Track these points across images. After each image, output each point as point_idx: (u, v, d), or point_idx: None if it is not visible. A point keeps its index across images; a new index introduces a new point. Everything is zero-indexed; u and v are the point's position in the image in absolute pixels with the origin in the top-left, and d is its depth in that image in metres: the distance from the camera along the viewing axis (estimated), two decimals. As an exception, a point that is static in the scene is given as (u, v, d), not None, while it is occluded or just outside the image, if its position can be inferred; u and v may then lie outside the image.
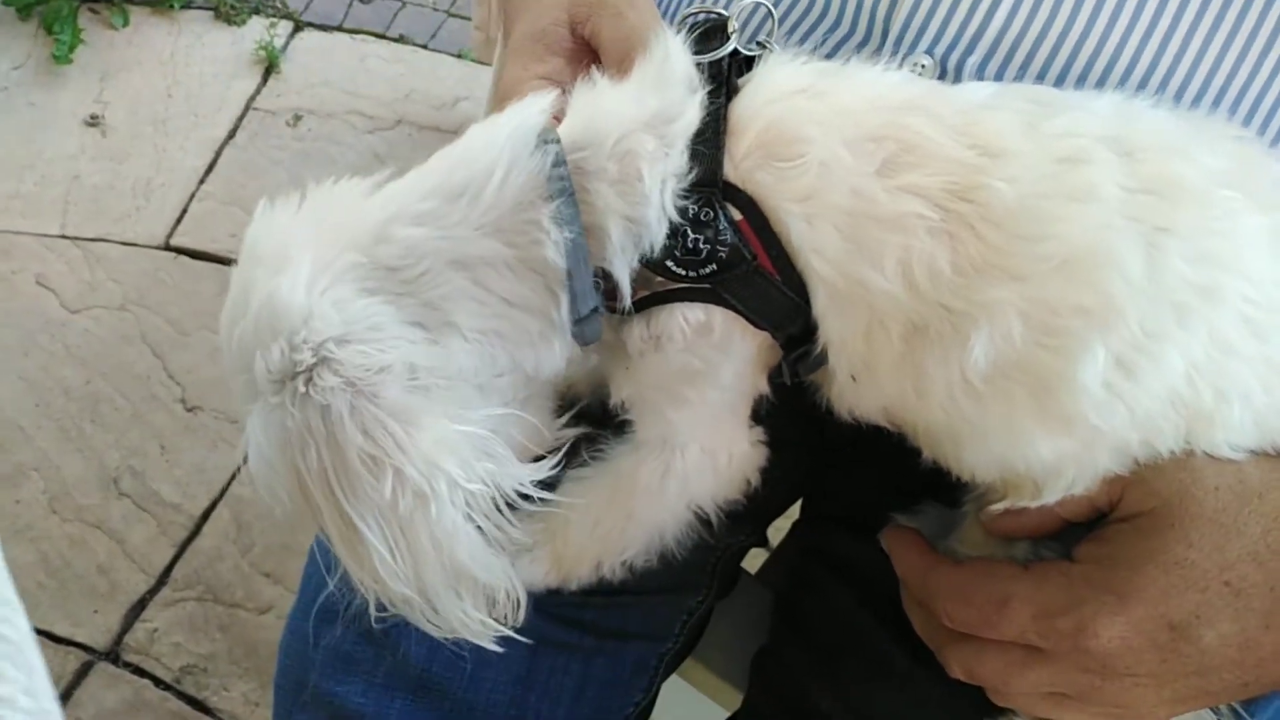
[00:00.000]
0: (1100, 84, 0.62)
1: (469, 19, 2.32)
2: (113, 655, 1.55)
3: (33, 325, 1.85)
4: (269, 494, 0.55)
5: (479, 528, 0.54)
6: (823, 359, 0.58)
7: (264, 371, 0.53)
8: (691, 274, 0.56)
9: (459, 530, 0.53)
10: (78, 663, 1.53)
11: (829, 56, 0.63)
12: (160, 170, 2.07)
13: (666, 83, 0.57)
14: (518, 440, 0.58)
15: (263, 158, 2.11)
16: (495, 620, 0.57)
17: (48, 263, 1.94)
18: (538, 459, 0.58)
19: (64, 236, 1.97)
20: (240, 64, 2.25)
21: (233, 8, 2.32)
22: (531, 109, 0.57)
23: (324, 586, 0.67)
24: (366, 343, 0.52)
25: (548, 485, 0.58)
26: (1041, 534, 0.59)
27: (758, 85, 0.57)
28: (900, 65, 0.62)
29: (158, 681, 1.53)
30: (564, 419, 0.63)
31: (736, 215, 0.56)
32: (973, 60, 0.64)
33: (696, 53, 0.58)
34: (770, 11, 0.66)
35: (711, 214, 0.55)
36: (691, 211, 0.55)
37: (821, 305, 0.56)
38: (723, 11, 0.60)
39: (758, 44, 0.60)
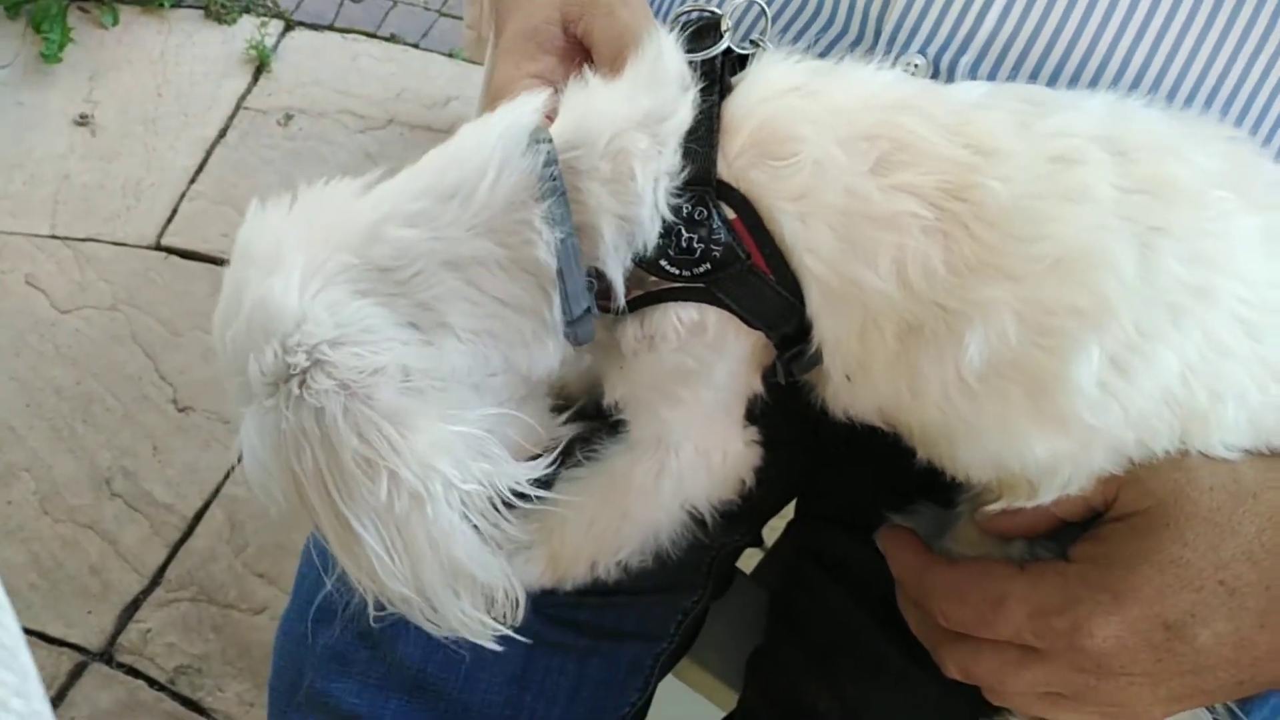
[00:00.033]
0: (1093, 84, 0.62)
1: (460, 18, 2.32)
2: (106, 656, 1.55)
3: (23, 325, 1.85)
4: (264, 495, 0.55)
5: (475, 527, 0.54)
6: (817, 358, 0.58)
7: (258, 374, 0.52)
8: (685, 273, 0.56)
9: (455, 530, 0.53)
10: (71, 663, 1.53)
11: (822, 55, 0.63)
12: (151, 170, 2.07)
13: (659, 81, 0.57)
14: (513, 439, 0.58)
15: (254, 157, 2.10)
16: (494, 619, 0.57)
17: (38, 262, 1.93)
18: (534, 458, 0.57)
19: (54, 236, 1.96)
20: (231, 63, 2.24)
21: (223, 6, 2.31)
22: (524, 108, 0.56)
23: (318, 587, 0.67)
24: (360, 345, 0.52)
25: (543, 484, 0.58)
26: (1037, 533, 0.59)
27: (751, 84, 0.57)
28: (893, 65, 0.62)
29: (152, 682, 1.53)
30: (561, 417, 0.63)
31: (730, 214, 0.56)
32: (965, 60, 0.64)
33: (689, 51, 0.58)
34: (763, 10, 0.65)
35: (705, 213, 0.55)
36: (685, 210, 0.55)
37: (816, 305, 0.56)
38: (716, 10, 0.60)
39: (751, 42, 0.60)
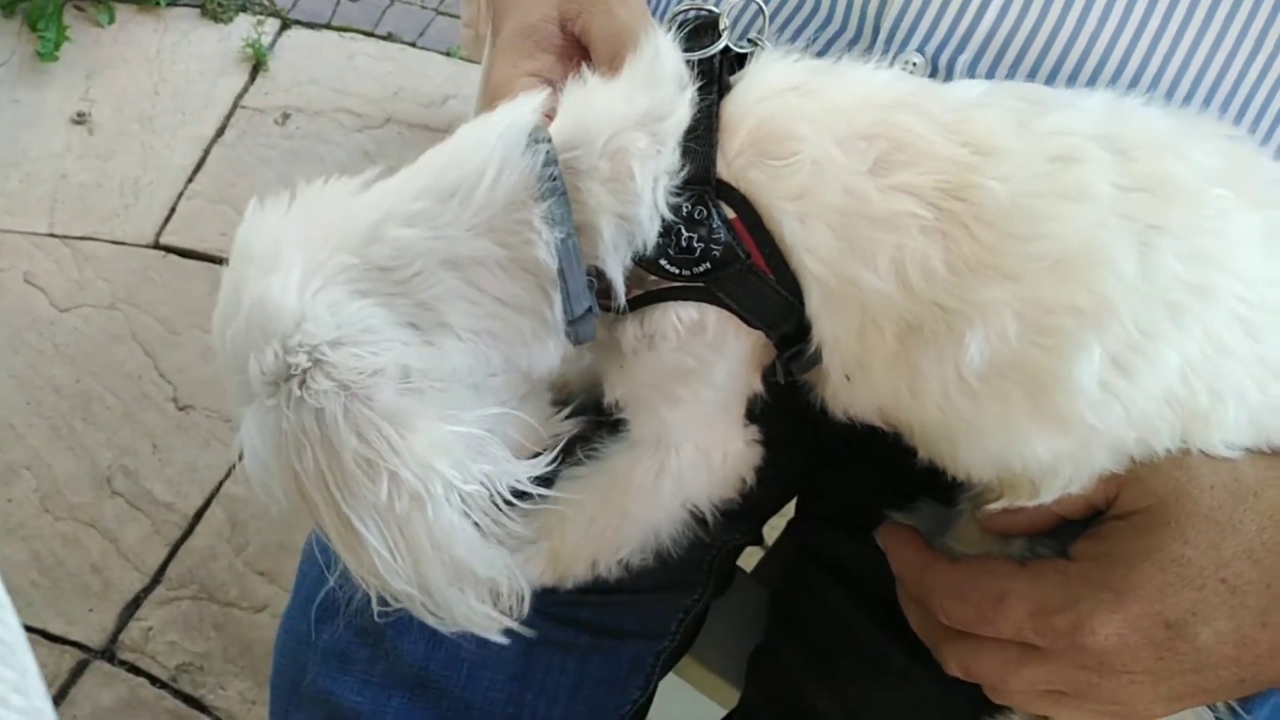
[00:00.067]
0: (1091, 82, 0.62)
1: (457, 16, 2.31)
2: (108, 654, 1.55)
3: (21, 323, 1.85)
4: (265, 494, 0.55)
5: (477, 525, 0.54)
6: (817, 358, 0.58)
7: (258, 374, 0.53)
8: (685, 272, 0.56)
9: (457, 529, 0.53)
10: (73, 661, 1.53)
11: (820, 54, 0.63)
12: (148, 168, 2.07)
13: (657, 80, 0.57)
14: (514, 438, 0.58)
15: (251, 156, 2.10)
16: (500, 613, 0.57)
17: (36, 261, 1.93)
18: (534, 456, 0.57)
19: (52, 235, 1.96)
20: (227, 62, 2.24)
21: (219, 5, 2.31)
22: (523, 108, 0.56)
23: (319, 585, 0.68)
24: (359, 345, 0.52)
25: (544, 482, 0.58)
26: (1038, 531, 0.59)
27: (749, 83, 0.57)
28: (891, 63, 0.63)
29: (153, 680, 1.53)
30: (562, 415, 0.63)
31: (730, 213, 0.56)
32: (964, 58, 0.64)
33: (687, 50, 0.58)
34: (761, 9, 0.65)
35: (705, 212, 0.55)
36: (685, 210, 0.55)
37: (815, 304, 0.56)
38: (714, 9, 0.60)
39: (749, 41, 0.60)
